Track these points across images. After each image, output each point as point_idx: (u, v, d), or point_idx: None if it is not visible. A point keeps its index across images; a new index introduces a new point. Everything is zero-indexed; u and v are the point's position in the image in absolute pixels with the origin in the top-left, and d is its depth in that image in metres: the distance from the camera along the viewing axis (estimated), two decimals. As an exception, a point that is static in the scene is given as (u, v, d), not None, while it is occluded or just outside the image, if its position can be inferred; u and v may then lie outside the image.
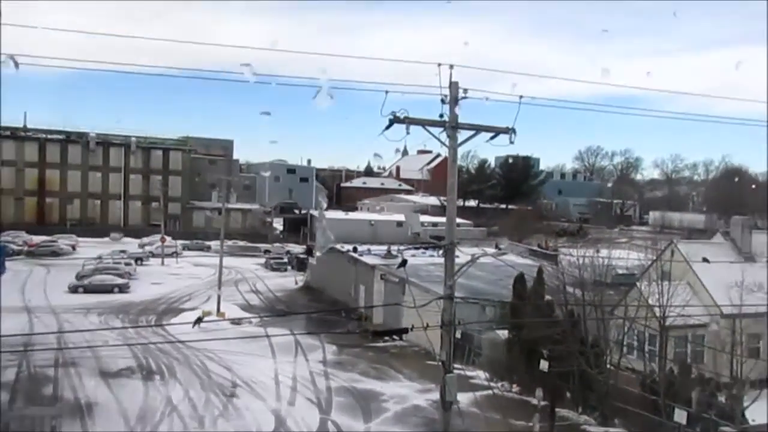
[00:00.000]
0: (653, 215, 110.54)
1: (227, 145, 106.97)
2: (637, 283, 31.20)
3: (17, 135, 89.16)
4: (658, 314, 27.17)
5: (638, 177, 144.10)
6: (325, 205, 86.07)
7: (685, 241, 42.56)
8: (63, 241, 74.33)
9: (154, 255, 70.99)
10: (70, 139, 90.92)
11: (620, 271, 36.35)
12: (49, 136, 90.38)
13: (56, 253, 69.93)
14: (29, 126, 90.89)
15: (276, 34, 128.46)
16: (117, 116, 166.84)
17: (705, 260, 33.12)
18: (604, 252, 32.27)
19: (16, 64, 9.92)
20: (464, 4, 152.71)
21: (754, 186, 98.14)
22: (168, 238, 73.28)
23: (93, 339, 36.34)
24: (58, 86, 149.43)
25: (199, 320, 40.38)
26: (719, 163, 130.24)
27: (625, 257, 37.63)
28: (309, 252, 62.64)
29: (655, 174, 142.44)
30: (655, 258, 33.90)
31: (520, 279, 31.89)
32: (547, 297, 30.49)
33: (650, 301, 27.68)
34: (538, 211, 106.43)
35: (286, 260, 70.10)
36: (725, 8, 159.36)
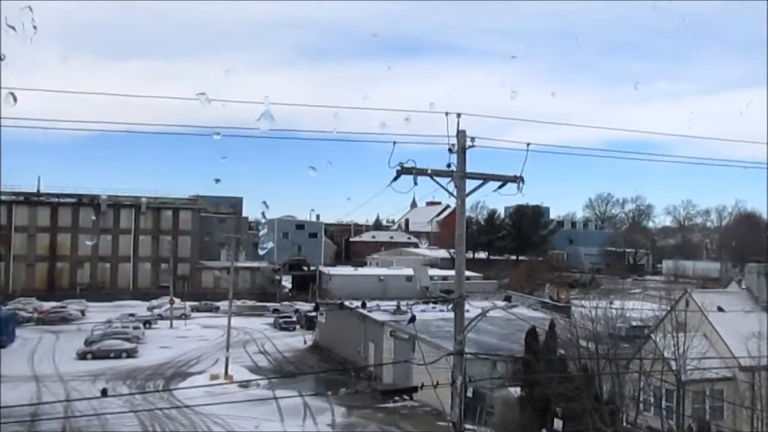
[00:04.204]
0: (666, 264, 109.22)
1: (236, 203, 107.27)
2: (652, 335, 30.42)
3: (30, 200, 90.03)
4: (674, 368, 26.34)
5: (650, 225, 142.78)
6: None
7: (700, 290, 41.76)
8: (73, 307, 74.05)
9: (162, 317, 70.50)
10: (81, 202, 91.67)
11: (634, 323, 35.62)
12: (62, 200, 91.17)
13: (66, 319, 69.54)
14: (42, 190, 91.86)
15: (291, 88, 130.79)
16: (128, 176, 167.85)
17: (720, 310, 32.36)
18: (617, 303, 31.64)
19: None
20: (476, 52, 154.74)
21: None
22: (177, 300, 72.92)
23: (100, 407, 35.68)
24: (70, 148, 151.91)
25: None
26: (732, 209, 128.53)
27: (639, 308, 36.96)
28: (317, 309, 62.00)
29: (668, 221, 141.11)
30: (669, 308, 33.13)
31: (531, 333, 31.27)
32: (560, 351, 29.78)
33: (666, 354, 26.89)
34: (549, 262, 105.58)
35: (294, 319, 69.40)
36: (739, 49, 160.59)
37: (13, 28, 6.72)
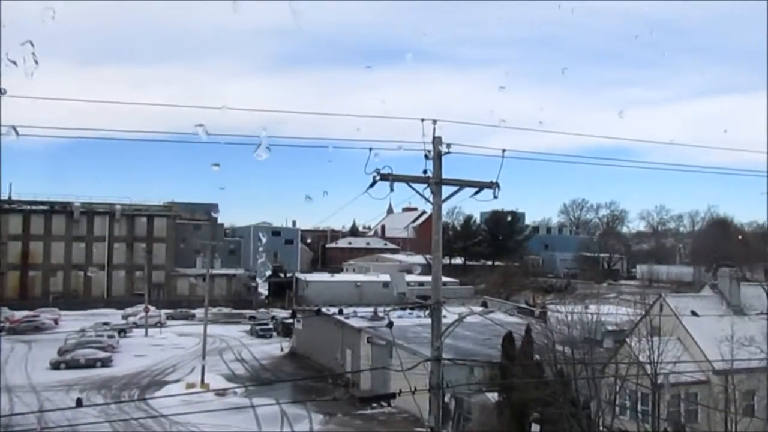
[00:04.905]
0: (641, 269, 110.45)
1: (212, 209, 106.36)
2: (627, 340, 30.71)
3: (1, 207, 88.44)
4: (649, 371, 26.63)
5: (624, 230, 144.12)
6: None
7: (674, 294, 42.23)
8: (45, 316, 72.91)
9: (137, 326, 69.73)
10: (54, 209, 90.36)
11: (610, 328, 35.90)
12: (34, 207, 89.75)
13: (39, 329, 68.44)
14: (14, 197, 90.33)
15: (268, 95, 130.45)
16: (103, 183, 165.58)
17: (694, 314, 32.76)
18: (592, 308, 31.85)
19: (17, 133, 9.61)
20: (455, 59, 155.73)
21: (740, 237, 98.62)
22: (152, 308, 72.13)
23: (74, 417, 35.13)
24: (41, 155, 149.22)
25: None
26: (704, 214, 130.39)
27: (614, 313, 37.23)
28: (294, 316, 61.75)
29: (642, 226, 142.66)
30: (644, 313, 33.48)
31: (508, 338, 31.38)
32: (536, 356, 29.95)
33: (641, 358, 27.17)
34: (525, 267, 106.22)
35: (271, 326, 69.03)
36: (718, 57, 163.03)
37: (14, 63, 6.63)
